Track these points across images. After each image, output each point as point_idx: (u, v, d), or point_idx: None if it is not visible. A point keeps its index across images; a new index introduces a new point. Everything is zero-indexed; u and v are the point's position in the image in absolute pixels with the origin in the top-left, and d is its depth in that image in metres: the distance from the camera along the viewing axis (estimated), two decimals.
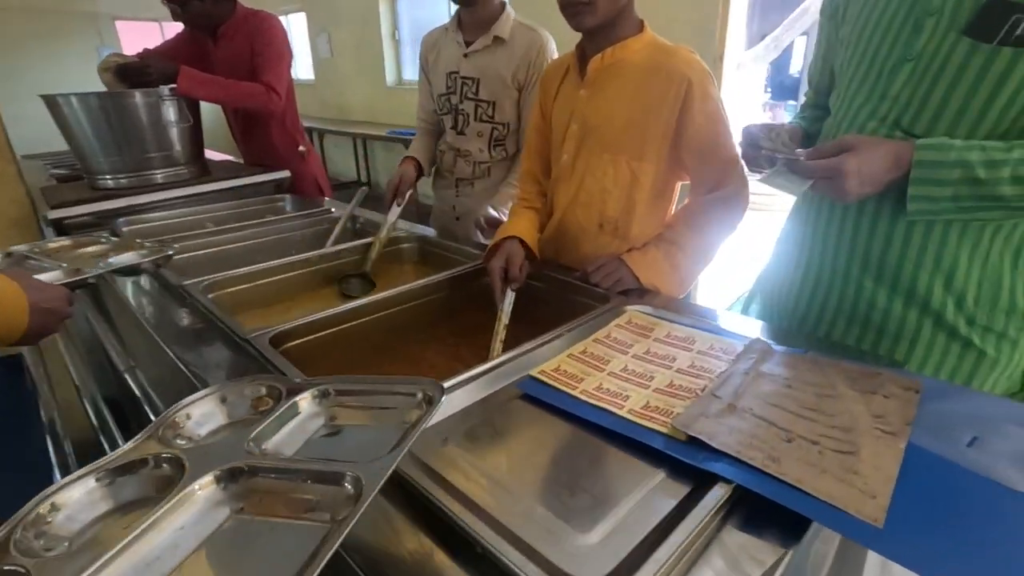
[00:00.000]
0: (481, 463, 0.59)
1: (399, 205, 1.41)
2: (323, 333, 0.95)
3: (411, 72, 5.51)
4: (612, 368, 0.75)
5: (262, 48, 1.87)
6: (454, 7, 1.53)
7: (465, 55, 1.50)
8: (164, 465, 0.51)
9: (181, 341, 0.91)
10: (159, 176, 1.80)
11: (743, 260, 2.90)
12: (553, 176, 1.16)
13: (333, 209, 1.72)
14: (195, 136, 1.87)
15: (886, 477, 0.52)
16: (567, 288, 1.08)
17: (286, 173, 1.96)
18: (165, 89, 1.71)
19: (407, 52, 5.44)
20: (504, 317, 1.03)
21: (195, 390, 0.79)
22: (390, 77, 5.50)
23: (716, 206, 1.03)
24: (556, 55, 1.45)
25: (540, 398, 0.69)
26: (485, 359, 1.01)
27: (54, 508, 0.46)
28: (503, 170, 1.62)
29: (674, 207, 1.11)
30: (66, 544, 0.45)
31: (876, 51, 0.82)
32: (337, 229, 1.52)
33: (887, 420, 0.60)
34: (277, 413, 0.57)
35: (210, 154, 2.20)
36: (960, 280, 0.79)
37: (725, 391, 0.66)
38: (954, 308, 0.80)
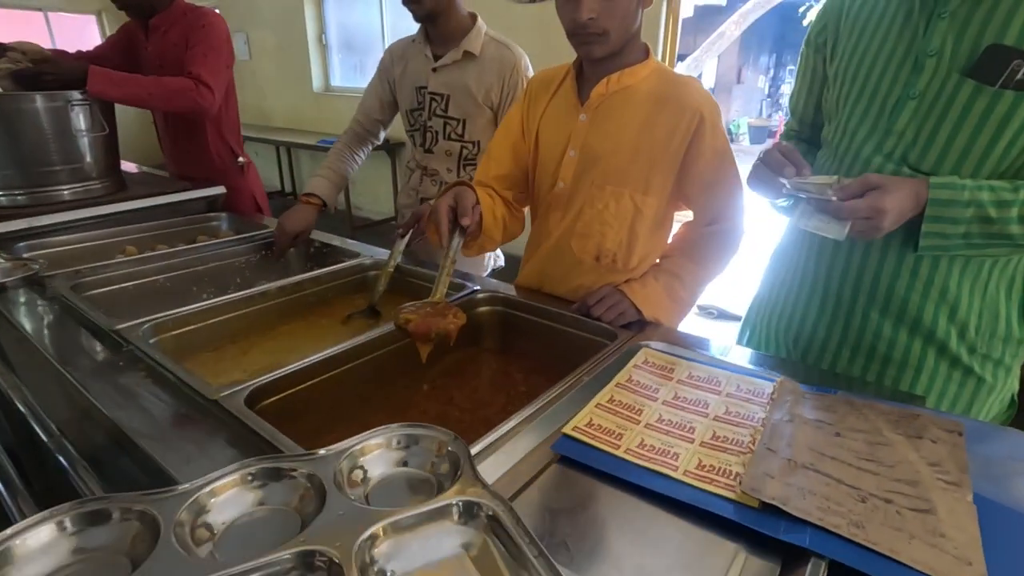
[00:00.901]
0: None
1: (401, 237, 1.28)
2: (303, 386, 0.82)
3: (340, 78, 5.27)
4: (647, 419, 0.69)
5: (196, 42, 1.67)
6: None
7: (434, 70, 1.40)
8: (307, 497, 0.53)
9: (124, 405, 0.75)
10: (66, 193, 1.56)
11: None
12: (543, 202, 1.09)
13: None
14: (110, 146, 1.64)
15: (971, 538, 0.50)
16: (563, 321, 1.02)
17: (220, 189, 1.76)
18: (75, 92, 1.47)
19: (335, 57, 5.20)
20: (451, 256, 0.91)
21: (151, 467, 0.66)
22: (317, 83, 5.23)
23: (715, 238, 1.01)
24: (531, 73, 1.39)
25: (582, 461, 0.62)
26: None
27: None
28: None
29: (670, 235, 1.08)
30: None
31: (876, 87, 0.83)
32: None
33: (944, 468, 0.59)
34: (424, 510, 0.51)
35: (126, 166, 1.95)
36: (963, 310, 0.81)
37: (778, 444, 0.62)
38: (957, 337, 0.82)
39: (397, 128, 1.59)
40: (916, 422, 0.66)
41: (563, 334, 1.02)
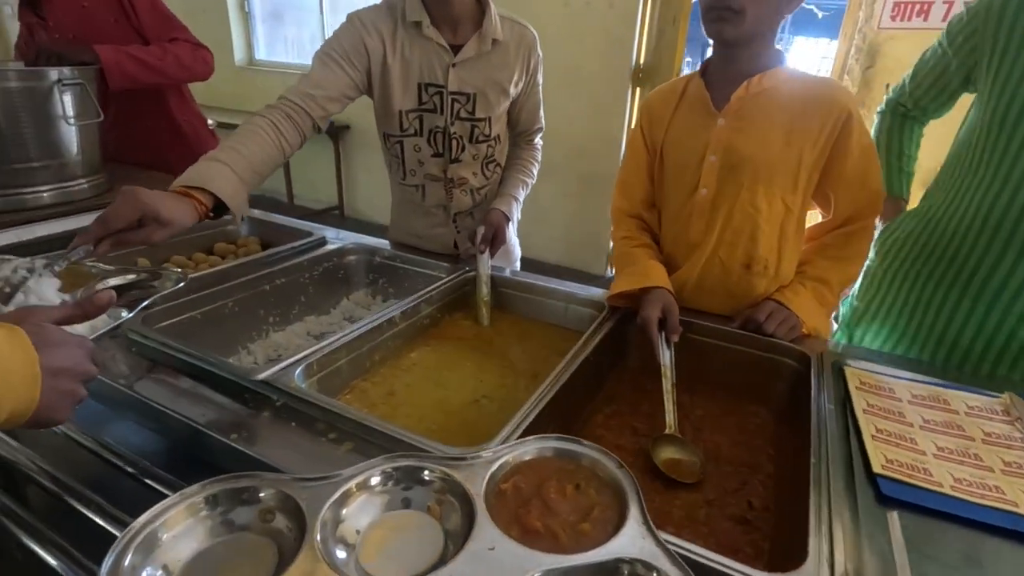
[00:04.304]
0: None
1: (482, 252, 1.16)
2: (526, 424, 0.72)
3: (265, 51, 4.76)
4: (928, 448, 0.69)
5: (143, 5, 1.41)
6: None
7: (454, 65, 1.14)
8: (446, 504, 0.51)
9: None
10: (45, 195, 1.25)
11: None
12: (680, 212, 1.05)
13: (328, 236, 1.36)
14: (99, 137, 1.34)
15: None
16: (723, 337, 0.99)
17: None
18: (66, 69, 1.18)
19: (259, 27, 4.68)
20: (671, 376, 0.91)
21: None
22: (239, 55, 4.68)
23: (854, 239, 1.02)
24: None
25: (924, 504, 0.60)
26: (661, 430, 0.90)
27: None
28: (495, 189, 1.35)
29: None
30: None
31: None
32: None
33: None
34: (590, 562, 0.45)
35: None
36: None
37: None
38: None
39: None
40: None
41: (724, 351, 0.99)
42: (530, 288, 1.17)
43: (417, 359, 0.99)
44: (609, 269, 3.69)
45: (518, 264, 1.49)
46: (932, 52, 1.07)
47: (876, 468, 0.64)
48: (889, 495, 0.61)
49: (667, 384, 0.89)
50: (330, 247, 1.33)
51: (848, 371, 0.85)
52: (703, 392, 0.99)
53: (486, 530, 0.46)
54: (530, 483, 0.53)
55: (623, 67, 3.17)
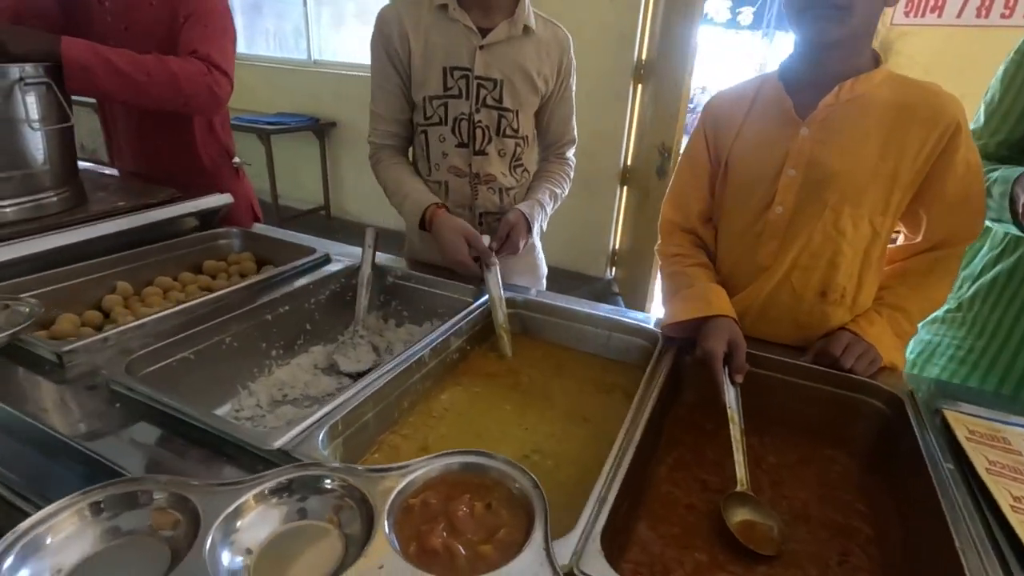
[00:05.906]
0: None
1: (488, 267, 1.05)
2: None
3: (244, 45, 4.54)
4: None
5: (193, 9, 1.25)
6: None
7: (481, 47, 1.08)
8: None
9: None
10: (8, 210, 1.09)
11: None
12: (744, 231, 0.94)
13: (334, 255, 1.22)
14: (68, 143, 1.18)
15: None
16: (793, 373, 0.89)
17: (227, 198, 1.35)
18: (28, 67, 1.02)
19: (239, 19, 4.46)
20: (739, 421, 0.80)
21: None
22: None
23: (943, 264, 0.91)
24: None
25: None
26: (732, 483, 0.78)
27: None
28: (524, 195, 1.26)
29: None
30: None
31: None
32: (364, 295, 1.07)
33: None
34: None
35: None
36: None
37: None
38: None
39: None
40: None
41: (795, 388, 0.89)
42: (564, 313, 1.04)
43: (448, 403, 0.86)
44: (609, 271, 3.59)
45: (544, 282, 1.36)
46: (1007, 81, 0.97)
47: None
48: None
49: (735, 431, 0.78)
50: (336, 266, 1.19)
51: (951, 416, 0.75)
52: (772, 434, 0.88)
53: (380, 546, 0.45)
54: (441, 499, 0.52)
55: (625, 64, 3.06)
